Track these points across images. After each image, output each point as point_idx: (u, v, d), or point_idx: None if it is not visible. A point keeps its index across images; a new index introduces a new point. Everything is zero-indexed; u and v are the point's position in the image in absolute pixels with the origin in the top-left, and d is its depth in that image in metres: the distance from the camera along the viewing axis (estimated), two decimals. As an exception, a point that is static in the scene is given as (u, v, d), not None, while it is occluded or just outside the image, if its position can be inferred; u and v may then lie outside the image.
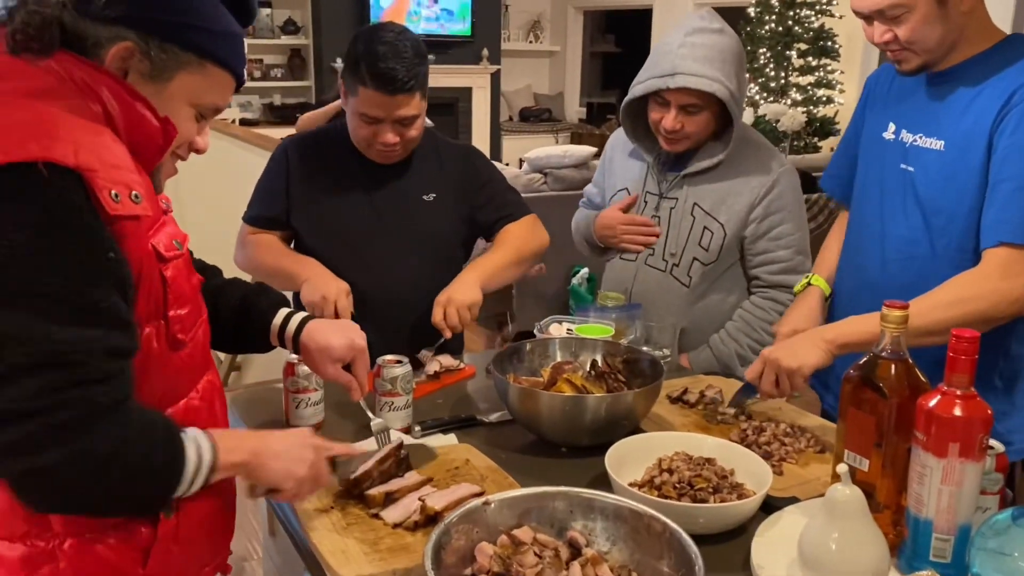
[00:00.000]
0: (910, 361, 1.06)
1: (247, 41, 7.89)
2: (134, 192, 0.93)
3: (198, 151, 1.09)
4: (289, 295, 1.71)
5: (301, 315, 1.34)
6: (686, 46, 1.72)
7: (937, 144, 1.42)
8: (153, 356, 0.98)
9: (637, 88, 1.80)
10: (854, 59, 7.19)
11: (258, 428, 1.48)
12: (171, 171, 1.09)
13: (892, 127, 1.52)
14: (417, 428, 1.44)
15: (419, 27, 8.21)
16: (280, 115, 7.92)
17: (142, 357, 0.96)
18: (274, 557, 1.51)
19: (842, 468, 0.98)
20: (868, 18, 1.40)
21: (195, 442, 0.97)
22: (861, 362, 1.09)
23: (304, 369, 1.43)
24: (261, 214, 1.87)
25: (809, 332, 1.42)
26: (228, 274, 1.38)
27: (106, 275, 0.89)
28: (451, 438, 1.43)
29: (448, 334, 1.69)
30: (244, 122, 7.60)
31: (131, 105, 0.96)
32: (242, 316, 1.32)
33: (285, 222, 1.86)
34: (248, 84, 8.02)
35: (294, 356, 1.45)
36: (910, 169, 1.46)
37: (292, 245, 1.89)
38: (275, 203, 1.85)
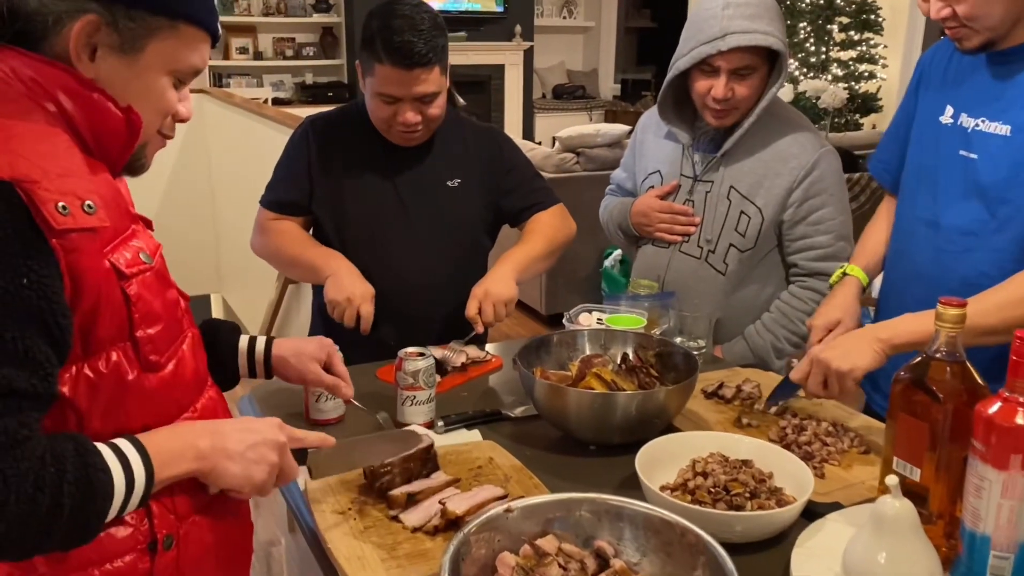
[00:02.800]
0: (967, 363, 0.98)
1: (279, 20, 7.89)
2: (87, 202, 0.85)
3: (182, 120, 1.01)
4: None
5: (263, 336, 1.30)
6: (731, 6, 1.64)
7: (1003, 129, 1.32)
8: (125, 381, 0.91)
9: (682, 61, 1.70)
10: (898, 33, 6.95)
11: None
12: (158, 145, 1.02)
13: (950, 110, 1.42)
14: (440, 423, 1.39)
15: (450, 4, 8.13)
16: (312, 94, 7.91)
17: (113, 383, 0.90)
18: (293, 552, 1.47)
19: (892, 480, 0.91)
20: None
21: (120, 461, 0.87)
22: (913, 363, 1.02)
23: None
24: (281, 199, 1.81)
25: (861, 331, 1.33)
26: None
27: (15, 304, 0.79)
28: (475, 434, 1.38)
29: (480, 329, 1.64)
30: (276, 101, 7.60)
31: (88, 98, 0.89)
32: (207, 349, 1.24)
33: (306, 208, 1.80)
34: (280, 63, 8.03)
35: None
36: (972, 156, 1.36)
37: (311, 231, 1.84)
38: (296, 188, 1.79)
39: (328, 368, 1.32)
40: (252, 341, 1.29)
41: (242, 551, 1.11)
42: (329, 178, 1.77)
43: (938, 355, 0.99)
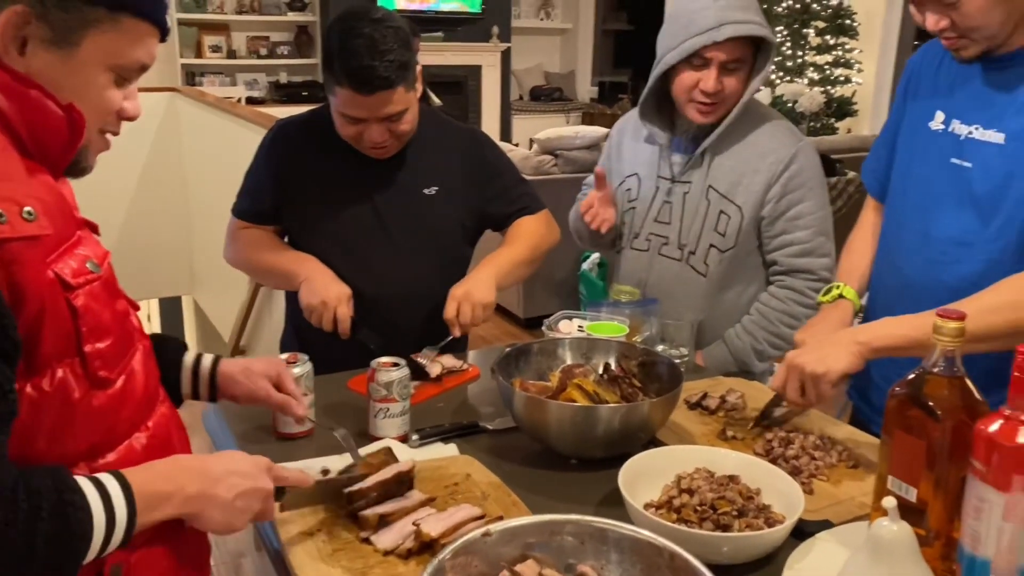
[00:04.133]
0: (966, 378, 0.94)
1: (253, 19, 7.78)
2: (26, 209, 0.79)
3: (129, 118, 0.94)
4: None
5: (210, 355, 1.22)
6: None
7: (998, 137, 1.28)
8: (73, 400, 0.85)
9: (671, 55, 1.66)
10: (873, 38, 7.00)
11: (245, 436, 1.38)
12: (102, 146, 0.94)
13: (940, 116, 1.37)
14: (415, 437, 1.34)
15: (428, 5, 8.07)
16: (286, 93, 7.81)
17: (59, 402, 0.83)
18: (260, 570, 1.41)
19: (889, 502, 0.87)
20: (920, 4, 1.25)
21: (103, 501, 0.81)
22: (909, 378, 0.97)
23: (292, 373, 1.33)
24: (252, 208, 1.75)
25: (840, 334, 1.29)
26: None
27: None
28: (451, 448, 1.32)
29: (457, 332, 1.58)
30: (250, 100, 7.49)
31: (25, 95, 0.83)
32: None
33: (277, 216, 1.74)
34: (254, 62, 7.92)
35: (282, 358, 1.35)
36: (966, 164, 1.32)
37: (285, 239, 1.77)
38: (266, 196, 1.73)
39: (278, 387, 1.25)
40: (198, 360, 1.20)
41: (199, 572, 1.05)
42: (301, 185, 1.71)
43: (935, 370, 0.95)
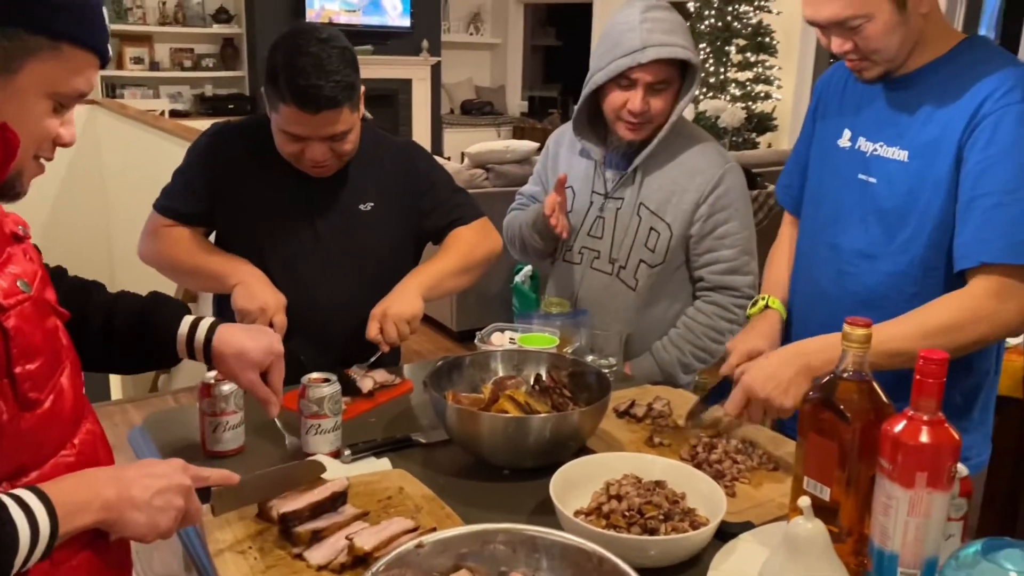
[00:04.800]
0: (874, 383, 1.00)
1: (177, 30, 7.62)
2: None
3: (64, 145, 0.94)
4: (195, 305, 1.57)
5: (208, 320, 1.23)
6: (648, 21, 1.65)
7: (900, 154, 1.35)
8: (1, 423, 0.84)
9: (599, 75, 1.70)
10: (791, 55, 7.26)
11: (173, 455, 1.35)
12: (36, 171, 0.94)
13: (848, 134, 1.45)
14: (347, 452, 1.34)
15: (357, 19, 8.04)
16: (212, 106, 7.68)
17: None
18: (192, 593, 1.39)
19: (804, 502, 0.91)
20: (825, 28, 1.32)
21: (25, 513, 0.81)
22: (821, 383, 1.03)
23: (222, 390, 1.32)
24: (180, 208, 1.70)
25: (792, 363, 1.28)
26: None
27: None
28: (384, 462, 1.33)
29: (386, 348, 1.58)
30: (174, 114, 7.33)
31: None
32: (143, 329, 1.19)
33: (206, 219, 1.70)
34: (178, 74, 7.76)
35: (210, 375, 1.34)
36: (871, 180, 1.39)
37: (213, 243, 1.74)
38: (197, 199, 1.69)
39: (264, 378, 1.25)
40: (194, 326, 1.22)
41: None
42: (235, 193, 1.68)
43: (845, 375, 1.00)
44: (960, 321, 1.24)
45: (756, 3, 6.83)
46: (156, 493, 0.92)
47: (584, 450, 1.33)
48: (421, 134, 8.85)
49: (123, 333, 1.17)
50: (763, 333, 1.51)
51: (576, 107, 1.82)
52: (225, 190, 1.68)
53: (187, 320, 1.22)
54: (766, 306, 1.56)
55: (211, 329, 1.23)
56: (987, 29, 6.56)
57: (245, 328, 1.28)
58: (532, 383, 1.44)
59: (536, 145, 4.46)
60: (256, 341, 1.24)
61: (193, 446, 1.36)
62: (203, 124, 6.35)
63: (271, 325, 1.54)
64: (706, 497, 1.16)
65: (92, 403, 1.09)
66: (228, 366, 1.23)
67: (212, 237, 1.77)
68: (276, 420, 1.29)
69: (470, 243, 1.78)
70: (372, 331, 1.57)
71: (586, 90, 1.76)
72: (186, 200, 1.70)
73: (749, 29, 6.84)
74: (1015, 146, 1.23)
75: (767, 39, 6.87)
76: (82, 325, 1.13)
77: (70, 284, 1.21)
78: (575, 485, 1.18)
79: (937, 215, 1.31)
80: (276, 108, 1.54)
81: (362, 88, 1.59)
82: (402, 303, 1.60)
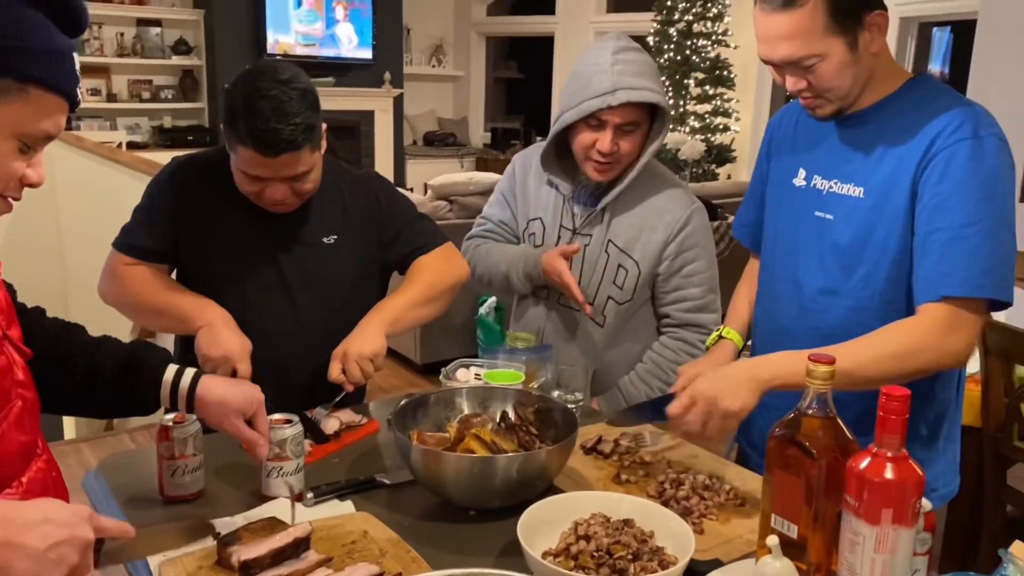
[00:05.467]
0: (838, 419, 1.00)
1: (135, 62, 7.55)
2: None
3: (32, 185, 0.93)
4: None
5: (193, 369, 1.24)
6: (619, 63, 1.65)
7: (856, 191, 1.38)
8: None
9: (569, 114, 1.70)
10: (748, 88, 7.43)
11: (130, 499, 1.32)
12: (3, 210, 0.93)
13: (803, 173, 1.47)
14: (310, 495, 1.31)
15: (316, 51, 8.05)
16: (171, 138, 7.59)
17: None
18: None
19: (772, 541, 0.91)
20: (779, 67, 1.35)
21: None
22: (786, 419, 1.03)
23: (181, 432, 1.29)
24: (143, 245, 1.65)
25: (740, 368, 1.32)
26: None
27: None
28: (348, 505, 1.30)
29: (350, 388, 1.56)
30: (132, 145, 7.25)
31: None
32: (129, 374, 1.19)
33: (169, 256, 1.67)
34: (136, 106, 7.68)
35: (168, 417, 1.31)
36: (828, 216, 1.42)
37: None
38: (160, 235, 1.65)
39: (249, 423, 1.25)
40: (179, 375, 1.23)
41: None
42: (198, 228, 1.65)
43: (810, 411, 1.01)
44: (909, 348, 1.27)
45: (714, 37, 6.99)
46: (53, 545, 0.85)
47: (551, 488, 1.32)
48: (384, 165, 8.85)
49: (109, 377, 1.17)
50: (716, 360, 1.54)
51: (545, 144, 1.82)
52: (188, 225, 1.65)
53: (172, 368, 1.24)
54: (720, 336, 1.59)
55: (196, 377, 1.24)
56: (939, 66, 6.78)
57: (228, 379, 1.28)
58: (498, 421, 1.43)
59: (500, 177, 4.47)
60: (239, 390, 1.26)
61: (151, 490, 1.33)
62: (162, 156, 6.27)
63: (234, 373, 1.50)
64: (675, 535, 1.15)
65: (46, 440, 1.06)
66: (211, 412, 1.24)
67: (173, 274, 1.74)
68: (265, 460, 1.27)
69: (434, 271, 1.74)
70: (334, 372, 1.54)
71: (555, 128, 1.76)
72: (149, 236, 1.66)
73: (707, 63, 6.99)
74: (967, 181, 1.26)
75: (725, 72, 7.03)
76: (66, 367, 1.10)
77: (53, 325, 1.21)
78: (543, 525, 1.17)
79: (895, 250, 1.34)
80: (234, 149, 1.52)
81: (324, 126, 1.58)
82: (362, 341, 1.57)
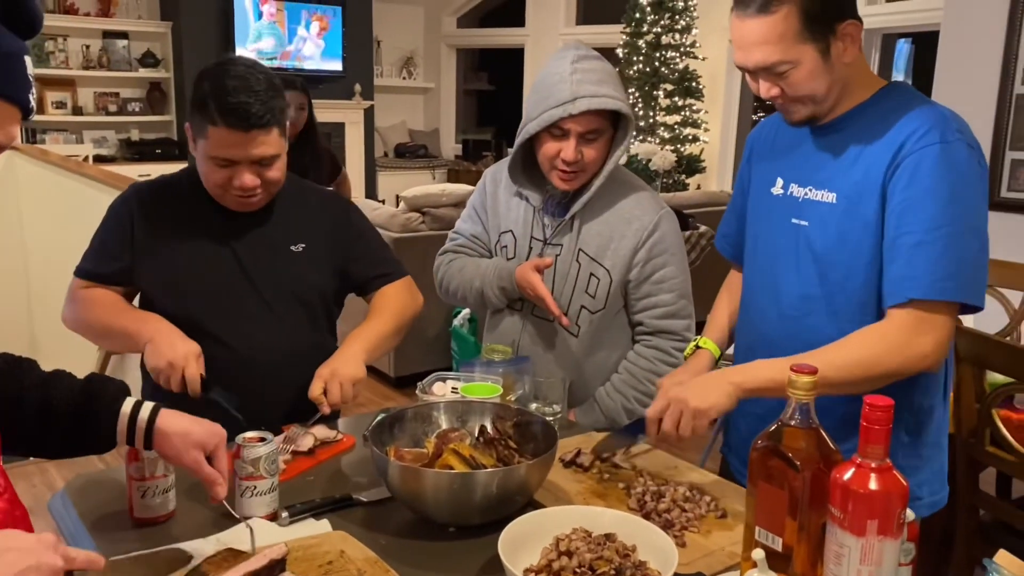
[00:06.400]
0: (821, 429, 1.00)
1: (101, 74, 7.45)
2: None
3: None
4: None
5: (151, 403, 1.19)
6: (578, 72, 1.66)
7: (829, 197, 1.39)
8: None
9: (532, 125, 1.71)
10: (717, 99, 7.51)
11: (98, 522, 1.28)
12: None
13: (780, 182, 1.49)
14: (284, 514, 1.28)
15: (288, 62, 8.00)
16: (138, 151, 7.49)
17: None
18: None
19: (757, 554, 0.90)
20: (753, 73, 1.36)
21: None
22: (769, 430, 1.03)
23: (152, 452, 1.25)
24: (96, 269, 1.66)
25: (714, 374, 1.36)
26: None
27: None
28: (324, 524, 1.27)
29: (327, 410, 1.54)
30: (99, 159, 7.13)
31: None
32: (84, 409, 1.14)
33: (126, 280, 1.66)
34: (102, 119, 7.57)
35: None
36: (803, 223, 1.43)
37: (137, 302, 1.68)
38: (115, 260, 1.65)
39: (210, 459, 1.20)
40: (137, 407, 1.17)
41: None
42: (159, 250, 1.64)
43: (792, 422, 1.00)
44: (876, 352, 1.28)
45: (682, 49, 7.05)
46: (20, 572, 0.82)
47: (532, 503, 1.30)
48: (355, 177, 8.78)
49: (62, 413, 1.11)
50: (693, 370, 1.54)
51: (511, 156, 1.82)
52: (147, 246, 1.64)
53: (129, 400, 1.18)
54: (697, 347, 1.60)
55: (155, 410, 1.19)
56: (902, 75, 6.89)
57: (190, 416, 1.23)
58: (477, 435, 1.41)
59: (472, 188, 4.46)
60: (200, 424, 1.21)
61: (120, 513, 1.29)
62: (130, 169, 6.18)
63: (183, 379, 1.48)
64: (657, 549, 1.14)
65: (9, 463, 1.02)
66: (171, 444, 1.18)
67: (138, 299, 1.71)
68: (224, 502, 1.22)
69: (401, 303, 1.79)
70: (316, 389, 1.53)
71: (519, 139, 1.76)
72: (101, 261, 1.66)
73: (676, 74, 7.05)
74: (935, 185, 1.27)
75: (694, 84, 7.09)
76: (16, 405, 1.06)
77: (3, 360, 1.16)
78: (524, 541, 1.15)
79: (868, 254, 1.35)
80: (204, 133, 1.52)
81: (287, 120, 1.60)
82: (349, 366, 1.58)
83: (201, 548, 1.14)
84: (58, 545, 0.88)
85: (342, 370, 1.56)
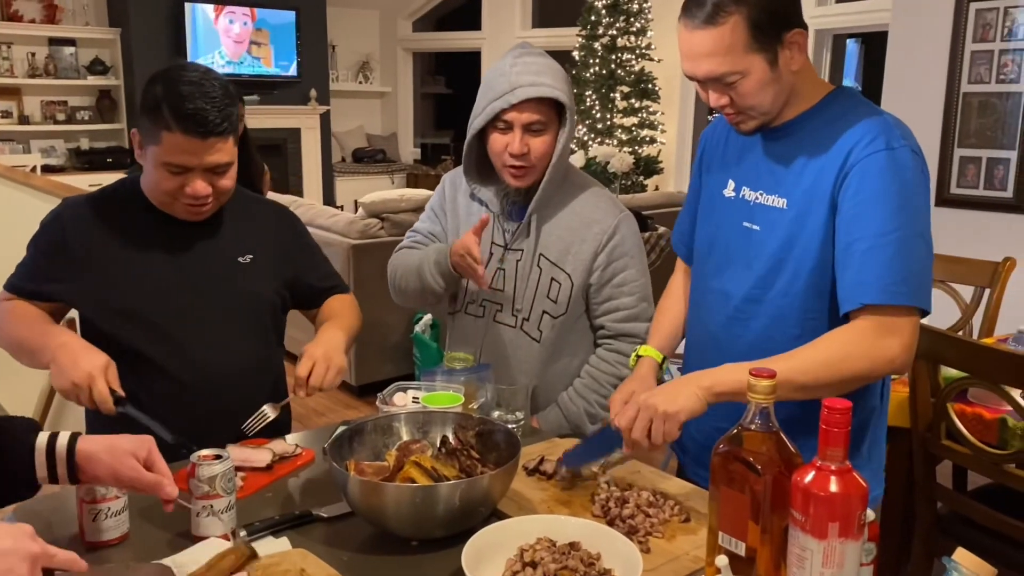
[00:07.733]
0: (781, 433, 1.00)
1: (48, 82, 7.28)
2: None
3: None
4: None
5: (68, 432, 1.13)
6: (518, 65, 1.69)
7: (780, 202, 1.41)
8: None
9: (478, 120, 1.73)
10: (673, 101, 7.58)
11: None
12: None
13: (732, 184, 1.50)
14: (243, 533, 1.25)
15: (242, 67, 7.90)
16: (88, 160, 7.34)
17: None
18: None
19: (721, 561, 0.90)
20: (703, 83, 1.37)
21: None
22: (730, 435, 1.03)
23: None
24: (19, 284, 1.60)
25: (684, 378, 1.35)
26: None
27: None
28: (283, 542, 1.24)
29: (303, 393, 1.50)
30: (47, 169, 6.97)
31: None
32: None
33: (55, 298, 1.60)
34: (50, 127, 7.40)
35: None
36: (755, 227, 1.44)
37: (79, 329, 1.61)
38: (41, 276, 1.59)
39: (147, 467, 1.16)
40: (53, 439, 1.11)
41: None
42: (94, 266, 1.57)
43: (752, 427, 1.00)
44: (841, 355, 1.29)
45: (638, 51, 7.10)
46: None
47: (495, 513, 1.29)
48: (312, 183, 8.72)
49: None
50: (640, 378, 1.55)
51: (464, 154, 1.82)
52: (80, 262, 1.57)
53: (44, 433, 1.12)
54: (639, 356, 1.60)
55: (72, 437, 1.13)
56: (852, 74, 7.02)
57: (111, 435, 1.18)
58: (438, 446, 1.39)
59: (431, 193, 4.44)
60: (124, 437, 1.16)
61: (72, 537, 1.25)
62: (79, 179, 6.02)
63: (91, 398, 1.39)
64: (622, 556, 1.13)
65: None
66: (101, 463, 1.13)
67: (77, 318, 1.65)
68: (180, 500, 1.18)
69: (355, 314, 1.78)
70: (303, 369, 1.50)
71: (469, 135, 1.77)
72: (29, 275, 1.61)
73: (632, 76, 7.10)
74: (883, 191, 1.29)
75: (650, 86, 7.15)
76: None
77: None
78: (488, 553, 1.14)
79: (814, 258, 1.36)
80: (157, 139, 1.48)
81: (240, 127, 1.58)
82: (339, 353, 1.56)
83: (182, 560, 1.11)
84: (35, 537, 0.87)
85: (334, 356, 1.53)
